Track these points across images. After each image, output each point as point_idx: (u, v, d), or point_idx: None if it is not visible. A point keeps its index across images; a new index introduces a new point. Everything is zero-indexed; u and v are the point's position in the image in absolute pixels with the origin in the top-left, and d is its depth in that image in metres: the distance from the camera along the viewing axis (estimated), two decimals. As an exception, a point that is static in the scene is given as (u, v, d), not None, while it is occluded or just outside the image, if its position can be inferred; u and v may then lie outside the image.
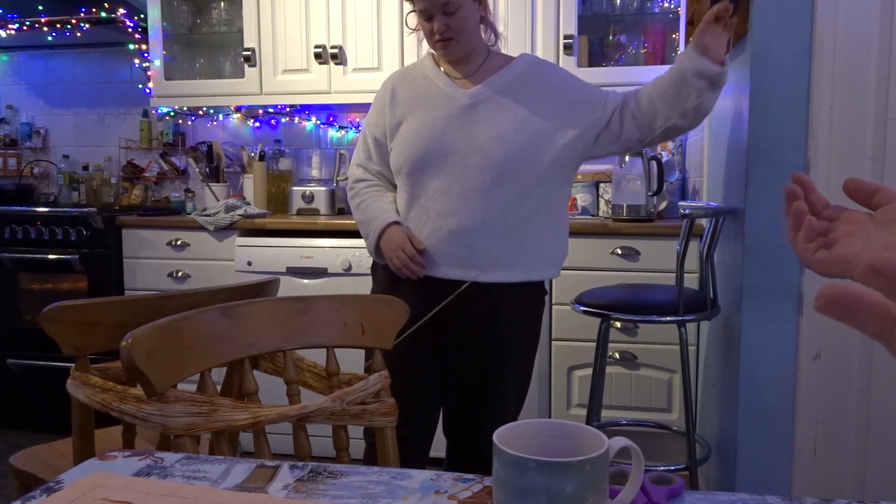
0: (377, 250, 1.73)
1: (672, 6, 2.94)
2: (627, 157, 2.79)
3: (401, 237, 1.66)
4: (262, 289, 1.42)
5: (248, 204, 3.10)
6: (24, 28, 3.26)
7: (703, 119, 1.68)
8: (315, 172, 3.40)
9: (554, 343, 2.67)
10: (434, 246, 1.66)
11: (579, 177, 3.08)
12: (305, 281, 2.73)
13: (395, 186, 1.79)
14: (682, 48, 2.80)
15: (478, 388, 1.71)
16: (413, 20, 1.70)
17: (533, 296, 1.73)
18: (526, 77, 1.70)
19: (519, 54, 1.77)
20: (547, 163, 1.65)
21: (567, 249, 1.78)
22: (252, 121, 3.53)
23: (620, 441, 0.61)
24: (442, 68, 1.75)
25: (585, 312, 2.09)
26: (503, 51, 1.87)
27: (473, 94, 1.68)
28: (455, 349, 1.71)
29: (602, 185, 3.05)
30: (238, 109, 3.48)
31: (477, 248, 1.64)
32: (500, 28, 2.86)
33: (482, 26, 1.73)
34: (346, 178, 1.95)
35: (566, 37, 2.81)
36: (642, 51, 3.01)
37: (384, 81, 1.82)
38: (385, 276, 1.75)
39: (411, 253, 1.64)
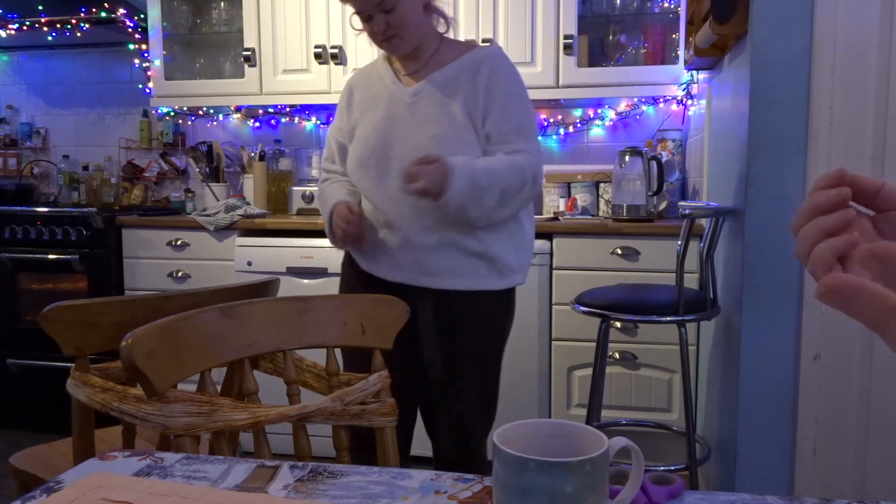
0: (333, 234, 1.66)
1: (672, 6, 2.94)
2: (627, 157, 2.79)
3: (339, 208, 1.59)
4: (262, 289, 1.42)
5: (248, 204, 3.10)
6: (24, 28, 3.26)
7: (488, 215, 1.55)
8: (315, 172, 3.40)
9: (554, 343, 2.67)
10: (386, 253, 1.62)
11: (579, 177, 3.09)
12: (305, 281, 2.73)
13: None
14: (682, 48, 2.80)
15: (438, 397, 1.67)
16: (357, 21, 1.62)
17: (491, 303, 1.64)
18: (472, 73, 1.58)
19: (478, 45, 1.67)
20: None
21: (528, 255, 1.69)
22: (252, 121, 3.53)
23: (620, 441, 0.61)
24: (394, 64, 1.68)
25: (585, 312, 2.09)
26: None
27: (415, 91, 1.60)
28: (419, 354, 1.67)
29: (602, 185, 3.05)
30: (238, 109, 3.48)
31: (423, 259, 1.59)
32: (504, 25, 2.86)
33: (430, 14, 1.63)
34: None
35: (566, 37, 2.81)
36: (642, 51, 3.01)
37: (346, 83, 1.76)
38: (351, 275, 1.73)
39: (344, 215, 1.57)
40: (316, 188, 3.14)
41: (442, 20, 1.67)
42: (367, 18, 1.57)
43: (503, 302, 1.67)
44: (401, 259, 1.60)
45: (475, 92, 1.57)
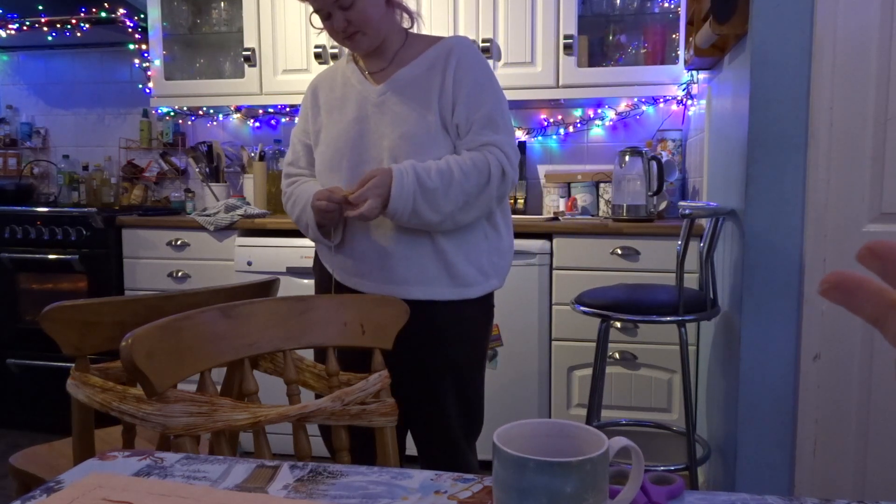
0: (320, 230, 1.56)
1: (672, 6, 2.94)
2: (627, 157, 2.79)
3: (321, 193, 1.49)
4: (262, 289, 1.42)
5: (248, 204, 3.10)
6: (24, 28, 3.26)
7: (453, 217, 1.49)
8: (315, 172, 3.39)
9: (554, 343, 2.67)
10: (360, 260, 1.56)
11: (579, 177, 3.09)
12: (305, 281, 2.73)
13: None
14: (682, 48, 2.80)
15: (419, 408, 1.62)
16: (317, 20, 1.56)
17: (469, 311, 1.59)
18: (438, 66, 1.53)
19: (445, 38, 1.60)
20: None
21: (506, 259, 1.63)
22: (252, 121, 3.53)
23: (620, 441, 0.61)
24: (359, 63, 1.62)
25: (585, 312, 2.09)
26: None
27: (382, 90, 1.54)
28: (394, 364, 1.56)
29: (602, 185, 3.05)
30: (238, 109, 3.48)
31: (395, 267, 1.53)
32: (504, 25, 2.86)
33: (393, 9, 1.57)
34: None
35: (566, 37, 2.81)
36: (642, 51, 3.01)
37: (309, 84, 1.69)
38: (323, 280, 1.66)
39: (329, 205, 1.47)
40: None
41: (406, 16, 1.61)
42: (326, 16, 1.51)
43: (482, 308, 1.62)
44: (372, 268, 1.54)
45: (443, 86, 1.51)
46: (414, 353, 1.55)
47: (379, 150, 1.52)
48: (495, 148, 1.50)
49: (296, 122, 3.40)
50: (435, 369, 1.58)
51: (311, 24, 1.59)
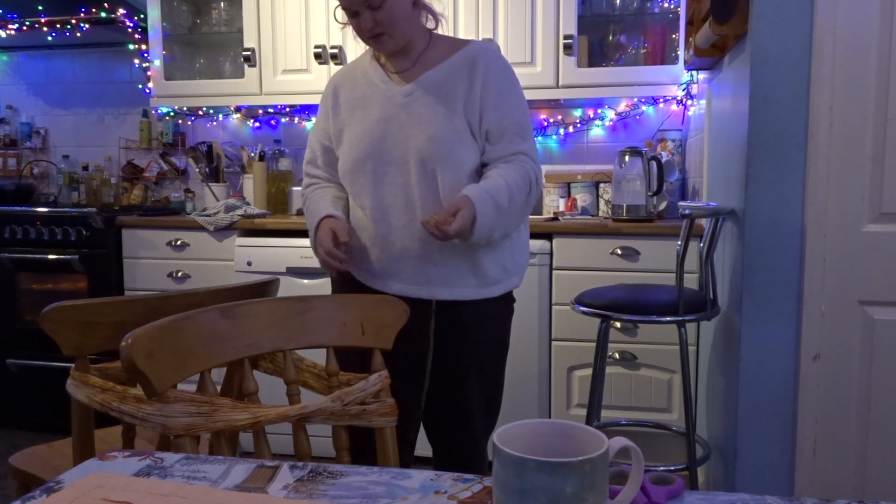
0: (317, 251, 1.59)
1: (672, 6, 2.94)
2: (627, 157, 2.79)
3: (323, 232, 1.52)
4: (262, 289, 1.42)
5: (248, 204, 3.10)
6: (24, 28, 3.26)
7: (507, 230, 1.54)
8: (315, 172, 3.39)
9: (554, 343, 2.67)
10: (385, 262, 1.56)
11: (579, 177, 3.09)
12: (305, 281, 2.73)
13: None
14: (682, 48, 2.80)
15: (443, 406, 1.63)
16: (342, 14, 1.56)
17: (495, 309, 1.62)
18: (466, 71, 1.53)
19: (471, 42, 1.61)
20: (479, 165, 1.54)
21: (526, 256, 1.67)
22: (252, 121, 3.53)
23: (620, 441, 0.61)
24: (382, 62, 1.62)
25: (585, 312, 2.09)
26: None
27: (408, 91, 1.54)
28: (423, 363, 1.60)
29: (602, 185, 3.05)
30: (238, 109, 3.48)
31: (423, 269, 1.53)
32: (504, 25, 2.86)
33: (419, 10, 1.57)
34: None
35: (566, 37, 2.81)
36: (642, 51, 3.01)
37: (328, 83, 1.68)
38: (343, 285, 1.66)
39: (328, 248, 1.50)
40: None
41: (430, 16, 1.61)
42: (353, 14, 1.51)
43: (506, 305, 1.65)
44: (398, 269, 1.55)
45: (471, 90, 1.52)
46: (440, 352, 1.58)
47: (404, 151, 1.52)
48: (526, 157, 1.53)
49: (298, 121, 3.41)
50: (462, 368, 1.60)
51: (336, 19, 1.60)
